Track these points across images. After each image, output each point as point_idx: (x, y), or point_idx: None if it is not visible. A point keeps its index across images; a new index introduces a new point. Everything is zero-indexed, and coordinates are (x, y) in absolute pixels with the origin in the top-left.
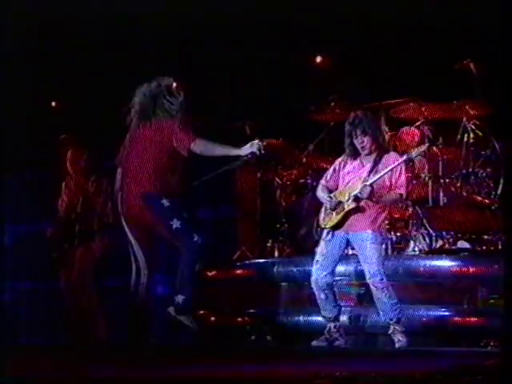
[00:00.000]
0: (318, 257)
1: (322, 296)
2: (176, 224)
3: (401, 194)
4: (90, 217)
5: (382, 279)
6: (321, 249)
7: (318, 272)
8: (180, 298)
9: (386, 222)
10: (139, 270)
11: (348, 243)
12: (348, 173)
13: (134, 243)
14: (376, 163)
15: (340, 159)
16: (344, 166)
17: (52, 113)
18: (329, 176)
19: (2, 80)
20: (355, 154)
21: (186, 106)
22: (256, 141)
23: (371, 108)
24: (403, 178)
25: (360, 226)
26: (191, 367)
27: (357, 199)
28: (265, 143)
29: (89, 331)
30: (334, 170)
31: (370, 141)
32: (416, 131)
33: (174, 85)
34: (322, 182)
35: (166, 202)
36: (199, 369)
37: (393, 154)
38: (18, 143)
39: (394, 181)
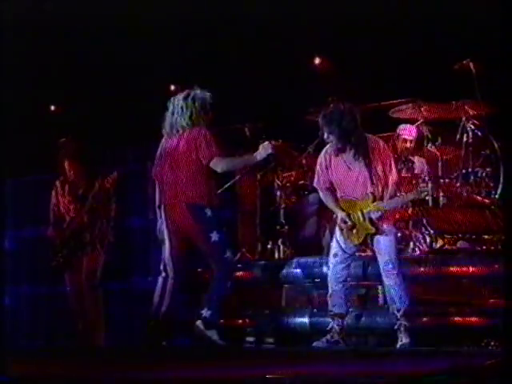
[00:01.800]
0: (335, 250)
1: (337, 288)
2: (215, 237)
3: (396, 183)
4: (95, 223)
5: (394, 267)
6: (339, 242)
7: (336, 265)
8: (207, 313)
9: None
10: (167, 279)
11: (364, 238)
12: (340, 175)
13: (167, 252)
14: (367, 165)
15: (323, 155)
16: (330, 161)
17: (52, 116)
18: (321, 178)
19: (1, 84)
20: (335, 152)
21: (214, 119)
22: (266, 142)
23: (371, 109)
24: (394, 170)
25: (378, 222)
26: (191, 369)
27: (371, 220)
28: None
29: (90, 335)
30: (322, 168)
31: (336, 140)
32: (412, 127)
33: (207, 97)
34: (320, 186)
35: (208, 212)
36: (198, 371)
37: (377, 147)
38: (18, 147)
39: (387, 173)
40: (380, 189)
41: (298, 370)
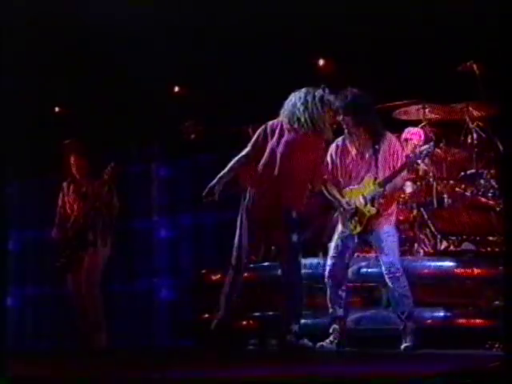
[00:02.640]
0: (333, 252)
1: (334, 292)
2: (295, 238)
3: (404, 176)
4: (97, 222)
5: (398, 269)
6: (336, 244)
7: (332, 267)
8: (295, 327)
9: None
10: (240, 268)
11: (363, 240)
12: (349, 163)
13: (244, 242)
14: (376, 152)
15: (334, 145)
16: (342, 153)
17: (56, 118)
18: (329, 167)
19: (5, 86)
20: (349, 138)
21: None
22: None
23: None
24: (402, 160)
25: (378, 223)
26: (194, 370)
27: (373, 201)
28: None
29: (92, 336)
30: (332, 158)
31: (351, 122)
32: (420, 130)
33: (327, 96)
34: (326, 176)
35: (294, 214)
36: (202, 372)
37: (390, 139)
38: (23, 149)
39: (394, 164)
40: (384, 174)
41: (301, 371)
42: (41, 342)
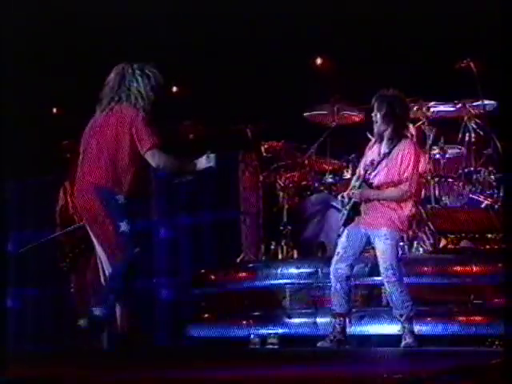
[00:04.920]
0: (338, 248)
1: (338, 287)
2: (124, 227)
3: (403, 190)
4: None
5: (394, 273)
6: (342, 241)
7: (337, 263)
8: (98, 310)
9: (406, 220)
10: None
11: (369, 239)
12: (366, 160)
13: (96, 245)
14: (387, 152)
15: (371, 142)
16: (369, 149)
17: (54, 118)
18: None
19: (3, 86)
20: (376, 135)
21: (157, 99)
22: (212, 155)
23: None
24: (410, 171)
25: (376, 223)
26: (194, 370)
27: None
28: (266, 146)
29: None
30: (364, 153)
31: (380, 120)
32: (414, 127)
33: (150, 68)
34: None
35: (120, 199)
36: (201, 372)
37: (405, 143)
38: (21, 149)
39: (401, 173)
40: (379, 179)
41: (301, 370)
42: (41, 343)
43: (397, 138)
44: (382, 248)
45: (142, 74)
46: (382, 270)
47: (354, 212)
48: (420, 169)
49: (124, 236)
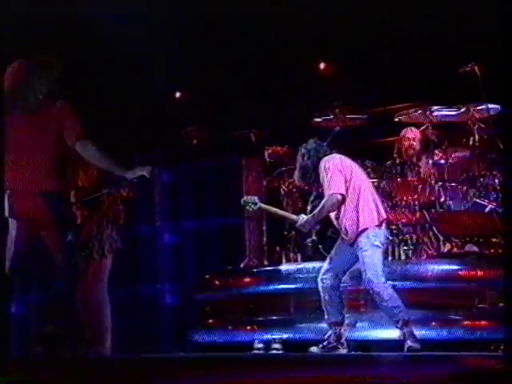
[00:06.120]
0: (328, 257)
1: (326, 297)
2: (71, 237)
3: (326, 196)
4: (103, 229)
5: (376, 284)
6: (332, 250)
7: (323, 273)
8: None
9: (370, 226)
10: None
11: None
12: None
13: (11, 243)
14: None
15: None
16: None
17: None
18: None
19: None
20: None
21: (63, 89)
22: (148, 167)
23: (377, 113)
24: (328, 177)
25: (346, 237)
26: (197, 376)
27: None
28: (270, 151)
29: (98, 343)
30: None
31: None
32: (416, 130)
33: (46, 57)
34: None
35: (65, 206)
36: (206, 377)
37: (322, 162)
38: None
39: (325, 186)
40: None
41: (305, 376)
42: (44, 348)
43: (314, 171)
44: (360, 260)
45: (44, 65)
46: (364, 281)
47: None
48: (344, 167)
49: (70, 245)
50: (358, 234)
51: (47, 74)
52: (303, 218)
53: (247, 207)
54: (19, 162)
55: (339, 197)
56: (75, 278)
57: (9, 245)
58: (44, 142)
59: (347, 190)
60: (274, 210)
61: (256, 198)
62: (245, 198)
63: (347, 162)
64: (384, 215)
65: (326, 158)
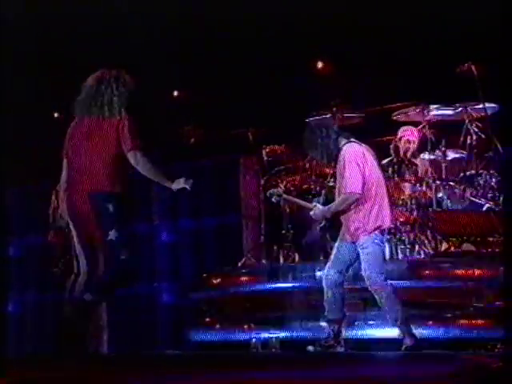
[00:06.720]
0: (332, 254)
1: (329, 294)
2: (112, 235)
3: (346, 193)
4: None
5: (375, 282)
6: (334, 248)
7: (328, 269)
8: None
9: (375, 217)
10: (79, 270)
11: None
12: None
13: (77, 242)
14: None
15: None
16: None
17: (55, 124)
18: None
19: (3, 92)
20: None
21: (133, 105)
22: (190, 180)
23: (375, 112)
24: (347, 171)
25: (350, 235)
26: (195, 375)
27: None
28: (268, 149)
29: (94, 341)
30: None
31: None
32: (414, 129)
33: (124, 75)
34: None
35: (112, 207)
36: (203, 376)
37: (345, 148)
38: (23, 154)
39: (343, 178)
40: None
41: (303, 374)
42: (41, 347)
43: (335, 148)
44: (362, 257)
45: (118, 80)
46: (365, 279)
47: (325, 230)
48: (364, 163)
49: (111, 244)
50: (355, 233)
51: (124, 88)
52: (318, 207)
53: (272, 199)
54: (78, 165)
55: (358, 196)
56: (125, 272)
57: (78, 250)
58: (106, 148)
59: (363, 186)
60: (294, 199)
61: (281, 190)
62: (271, 190)
63: (369, 156)
64: (389, 222)
65: (349, 145)
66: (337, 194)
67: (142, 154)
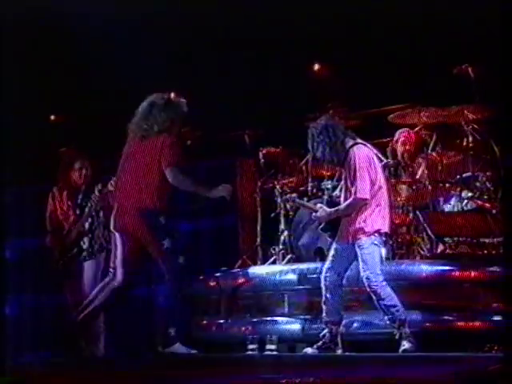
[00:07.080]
0: (330, 256)
1: (328, 295)
2: (167, 244)
3: (354, 198)
4: (93, 228)
5: (374, 282)
6: (332, 249)
7: (326, 271)
8: (172, 330)
9: (377, 226)
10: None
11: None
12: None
13: (119, 255)
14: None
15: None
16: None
17: (52, 126)
18: None
19: (2, 93)
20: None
21: (181, 124)
22: (228, 185)
23: (371, 114)
24: (357, 175)
25: (348, 235)
26: (192, 378)
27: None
28: (264, 152)
29: (91, 344)
30: None
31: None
32: (411, 132)
33: (173, 97)
34: None
35: (163, 220)
36: (200, 379)
37: (352, 151)
38: (20, 156)
39: (352, 181)
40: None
41: (300, 376)
42: (39, 350)
43: (343, 149)
44: (360, 258)
45: (170, 103)
46: (363, 280)
47: (326, 230)
48: (373, 168)
49: (168, 251)
50: (362, 230)
51: (173, 112)
52: (324, 209)
53: (287, 204)
54: (128, 182)
55: (366, 202)
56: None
57: (118, 258)
58: (150, 167)
59: (371, 190)
60: (303, 202)
61: (295, 196)
62: (285, 196)
63: (377, 161)
64: (388, 227)
65: (357, 148)
66: (343, 194)
67: (178, 170)
